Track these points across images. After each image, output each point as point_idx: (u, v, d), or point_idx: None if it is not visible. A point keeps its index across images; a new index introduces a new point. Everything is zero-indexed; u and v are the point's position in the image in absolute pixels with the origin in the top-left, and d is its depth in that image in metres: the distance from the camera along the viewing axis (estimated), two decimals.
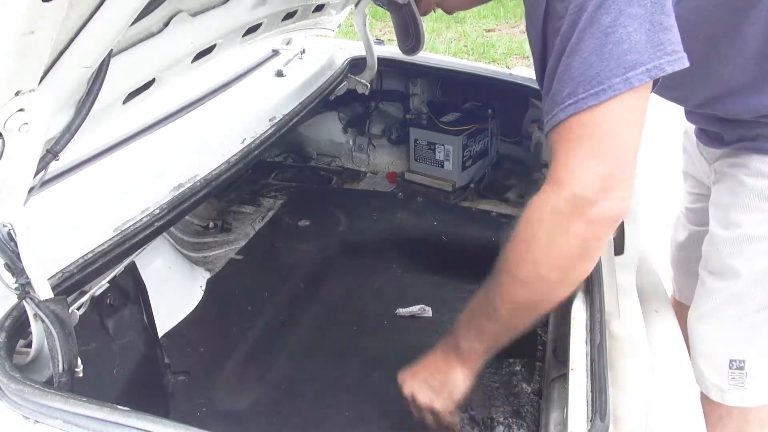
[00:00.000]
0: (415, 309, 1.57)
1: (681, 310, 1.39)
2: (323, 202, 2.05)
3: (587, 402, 0.84)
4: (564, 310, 1.14)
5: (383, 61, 1.95)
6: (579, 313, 1.00)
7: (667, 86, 0.94)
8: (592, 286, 1.03)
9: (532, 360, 1.42)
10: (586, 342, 0.94)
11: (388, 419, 1.29)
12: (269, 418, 1.33)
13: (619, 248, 1.20)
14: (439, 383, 1.06)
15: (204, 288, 1.71)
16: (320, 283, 1.72)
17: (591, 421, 0.80)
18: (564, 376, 1.01)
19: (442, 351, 1.07)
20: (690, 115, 1.33)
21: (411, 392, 1.09)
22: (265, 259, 1.82)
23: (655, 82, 0.84)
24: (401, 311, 1.57)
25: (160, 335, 1.38)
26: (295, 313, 1.62)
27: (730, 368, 1.26)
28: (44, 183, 0.84)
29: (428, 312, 1.57)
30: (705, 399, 1.32)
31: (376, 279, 1.75)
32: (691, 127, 1.41)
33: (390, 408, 1.31)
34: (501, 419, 1.25)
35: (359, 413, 1.31)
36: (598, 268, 1.07)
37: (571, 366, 0.90)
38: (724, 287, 1.22)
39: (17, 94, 0.64)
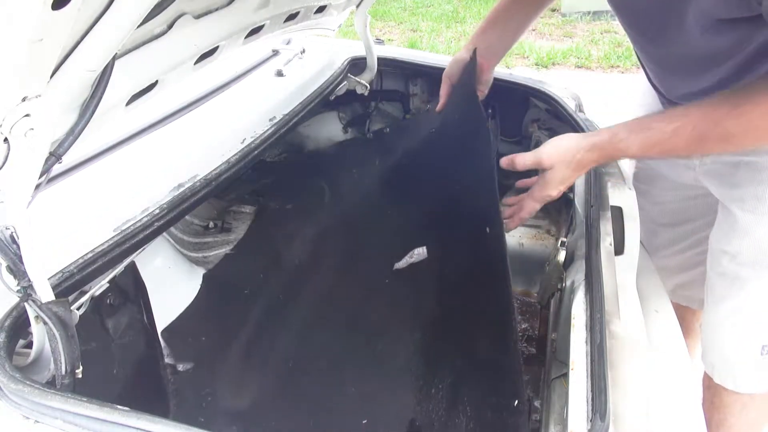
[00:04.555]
0: (410, 258, 1.56)
1: None
2: (303, 176, 2.03)
3: (587, 402, 0.84)
4: (564, 310, 1.14)
5: (383, 61, 1.95)
6: (579, 313, 1.00)
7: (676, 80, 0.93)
8: (592, 286, 1.03)
9: (532, 360, 1.42)
10: (586, 342, 0.94)
11: (393, 394, 1.29)
12: (275, 401, 1.33)
13: (619, 248, 1.20)
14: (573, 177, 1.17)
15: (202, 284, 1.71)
16: (316, 257, 1.71)
17: (591, 421, 0.80)
18: (564, 376, 1.01)
19: (603, 156, 1.14)
20: None
21: (554, 180, 1.17)
22: (258, 245, 1.83)
23: None
24: (398, 265, 1.56)
25: (161, 327, 1.37)
26: (293, 291, 1.61)
27: (762, 354, 1.27)
28: (46, 183, 0.83)
29: (423, 252, 1.56)
30: (725, 391, 1.33)
31: (370, 236, 1.71)
32: None
33: (395, 384, 1.31)
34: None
35: (364, 389, 1.32)
36: (597, 268, 1.07)
37: (571, 366, 0.91)
38: (763, 273, 1.23)
39: (24, 100, 0.64)
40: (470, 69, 1.44)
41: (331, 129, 2.31)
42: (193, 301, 1.67)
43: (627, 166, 1.54)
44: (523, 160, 1.23)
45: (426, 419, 1.24)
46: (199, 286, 1.73)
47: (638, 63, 1.35)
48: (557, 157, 1.17)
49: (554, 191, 1.20)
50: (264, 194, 2.08)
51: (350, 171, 1.91)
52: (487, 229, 1.31)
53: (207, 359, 1.46)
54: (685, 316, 1.69)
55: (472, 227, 1.37)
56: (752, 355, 1.28)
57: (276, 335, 1.48)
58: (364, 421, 1.25)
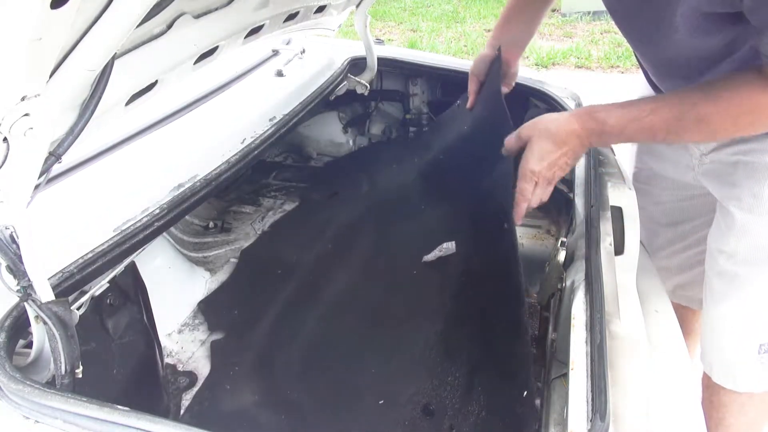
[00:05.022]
0: (439, 252, 1.59)
1: None
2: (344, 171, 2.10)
3: (587, 402, 0.84)
4: (564, 310, 1.14)
5: (383, 61, 1.95)
6: (579, 313, 1.00)
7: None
8: (592, 286, 1.03)
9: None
10: (586, 342, 0.94)
11: (411, 378, 1.31)
12: (298, 375, 1.37)
13: (619, 248, 1.20)
14: (570, 163, 1.16)
15: (207, 285, 1.74)
16: (349, 245, 1.75)
17: (591, 421, 0.80)
18: (564, 376, 1.01)
19: (583, 128, 1.12)
20: None
21: (539, 167, 1.15)
22: (295, 228, 1.91)
23: None
24: (427, 258, 1.59)
25: (161, 327, 1.40)
26: (324, 274, 1.66)
27: (759, 353, 1.27)
28: (45, 183, 0.83)
29: (452, 247, 1.59)
30: (723, 390, 1.33)
31: (402, 229, 1.76)
32: None
33: (413, 369, 1.34)
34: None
35: (384, 371, 1.36)
36: (597, 268, 1.07)
37: (571, 366, 0.91)
38: (760, 272, 1.23)
39: (23, 99, 0.64)
40: (497, 67, 1.46)
41: (331, 129, 2.31)
42: (229, 277, 1.75)
43: (627, 166, 1.53)
44: (508, 139, 1.23)
45: (440, 405, 1.26)
46: (198, 286, 1.74)
47: (638, 63, 1.35)
48: (533, 128, 1.17)
49: (536, 165, 1.15)
50: (276, 197, 2.13)
51: (390, 166, 1.96)
52: (505, 225, 1.33)
53: (237, 331, 1.52)
54: (685, 316, 1.69)
55: (492, 224, 1.40)
56: (750, 355, 1.28)
57: (304, 315, 1.52)
58: (381, 402, 1.28)
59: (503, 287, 1.31)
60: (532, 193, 1.18)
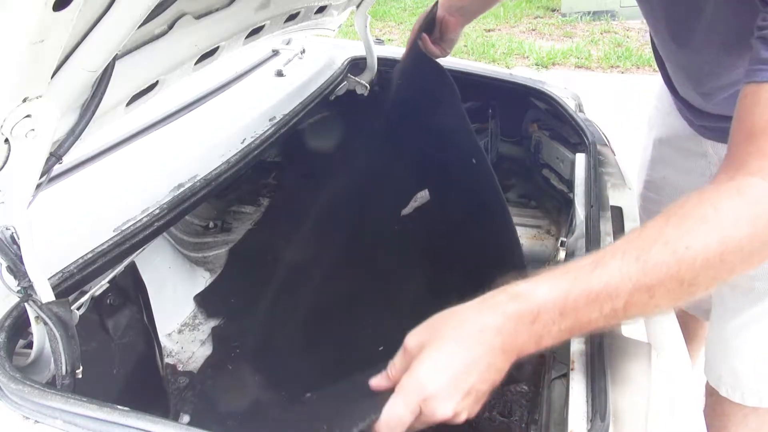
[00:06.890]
0: (415, 203, 1.67)
1: None
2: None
3: (587, 402, 0.84)
4: None
5: (383, 61, 1.95)
6: None
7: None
8: None
9: (532, 359, 1.42)
10: (586, 342, 0.94)
11: (406, 322, 1.34)
12: (299, 344, 1.43)
13: None
14: (477, 379, 0.70)
15: (207, 285, 1.77)
16: (331, 216, 1.76)
17: (591, 421, 0.80)
18: (564, 376, 1.01)
19: (504, 315, 0.69)
20: (710, 116, 1.27)
21: (422, 395, 0.69)
22: (277, 216, 2.00)
23: None
24: (405, 211, 1.66)
25: (161, 327, 1.41)
26: (312, 249, 1.69)
27: None
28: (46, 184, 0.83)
29: (425, 195, 1.67)
30: (728, 401, 1.32)
31: (376, 192, 1.74)
32: (685, 130, 1.40)
33: (407, 313, 1.37)
34: (500, 419, 1.25)
35: (380, 322, 1.43)
36: None
37: (571, 366, 0.91)
38: None
39: (24, 100, 0.64)
40: (428, 19, 1.45)
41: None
42: (223, 270, 1.82)
43: (636, 174, 1.53)
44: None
45: None
46: (198, 286, 1.74)
47: (641, 64, 1.34)
48: (427, 331, 0.74)
49: (430, 382, 0.68)
50: (280, 171, 2.20)
51: (353, 137, 1.98)
52: (473, 160, 1.36)
53: (236, 317, 1.60)
54: (689, 322, 1.68)
55: (458, 161, 1.44)
56: (762, 369, 1.26)
57: (298, 287, 1.57)
58: (381, 348, 1.31)
59: (487, 213, 1.35)
60: (404, 425, 0.69)
